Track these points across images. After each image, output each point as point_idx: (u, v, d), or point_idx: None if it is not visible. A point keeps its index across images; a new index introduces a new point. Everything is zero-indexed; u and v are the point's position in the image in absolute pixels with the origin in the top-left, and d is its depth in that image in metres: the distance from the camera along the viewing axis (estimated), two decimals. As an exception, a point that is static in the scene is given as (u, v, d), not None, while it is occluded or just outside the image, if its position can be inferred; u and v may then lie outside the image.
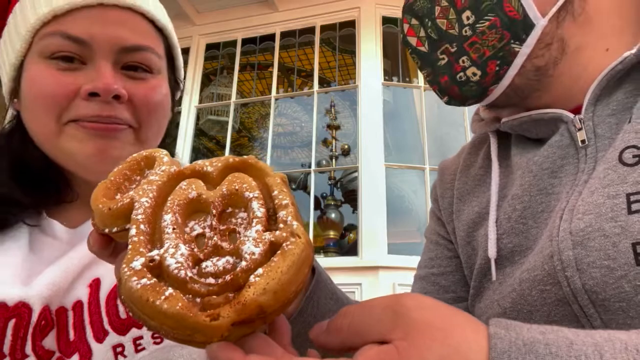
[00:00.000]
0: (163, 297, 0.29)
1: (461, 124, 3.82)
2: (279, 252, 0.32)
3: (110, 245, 0.38)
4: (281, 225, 0.34)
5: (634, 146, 0.45)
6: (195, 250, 0.33)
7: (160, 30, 0.65)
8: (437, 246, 0.68)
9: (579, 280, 0.43)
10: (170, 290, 0.30)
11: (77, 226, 0.64)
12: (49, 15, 0.58)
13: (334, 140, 4.23)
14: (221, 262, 0.32)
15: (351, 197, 3.98)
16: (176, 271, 0.31)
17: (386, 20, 4.07)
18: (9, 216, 0.59)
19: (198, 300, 0.31)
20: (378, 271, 3.20)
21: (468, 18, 0.53)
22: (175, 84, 0.71)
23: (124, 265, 0.31)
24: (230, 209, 0.36)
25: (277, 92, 4.23)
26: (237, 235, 0.35)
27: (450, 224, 0.67)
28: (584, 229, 0.44)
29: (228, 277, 0.31)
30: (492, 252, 0.54)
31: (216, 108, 4.35)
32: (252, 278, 0.30)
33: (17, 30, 0.61)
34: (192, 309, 0.29)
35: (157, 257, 0.31)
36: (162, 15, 0.66)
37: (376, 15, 4.02)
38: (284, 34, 4.30)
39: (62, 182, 0.64)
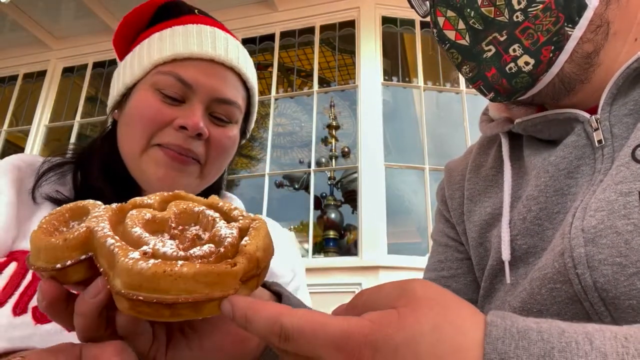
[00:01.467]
0: (180, 264, 0.31)
1: (461, 123, 3.82)
2: (251, 229, 0.38)
3: (64, 297, 0.36)
4: (240, 218, 0.39)
5: None
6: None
7: (247, 89, 0.79)
8: (446, 248, 0.67)
9: (590, 278, 0.43)
10: (180, 262, 0.32)
11: None
12: (170, 57, 0.71)
13: (334, 140, 4.23)
14: (206, 247, 0.34)
15: (351, 197, 3.98)
16: (175, 253, 0.33)
17: (386, 20, 4.07)
18: None
19: None
20: (378, 271, 3.20)
21: (519, 2, 0.50)
22: (243, 133, 0.84)
23: (122, 258, 0.32)
24: (181, 227, 0.39)
25: (277, 92, 4.23)
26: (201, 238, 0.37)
27: (460, 225, 0.66)
28: (595, 225, 0.44)
29: (222, 249, 0.34)
30: (505, 255, 0.53)
31: (216, 108, 4.35)
32: (243, 241, 0.36)
33: (140, 60, 0.73)
34: (211, 264, 0.33)
35: (149, 250, 0.33)
36: (253, 78, 0.79)
37: (376, 15, 4.02)
38: (283, 34, 4.31)
39: (135, 193, 0.73)
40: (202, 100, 0.71)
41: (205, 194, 0.78)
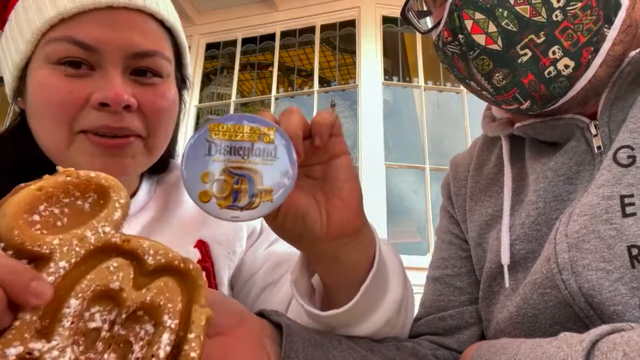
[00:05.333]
0: None
1: (461, 123, 3.82)
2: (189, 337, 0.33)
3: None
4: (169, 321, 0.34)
5: (627, 146, 0.44)
6: (81, 357, 0.30)
7: (168, 29, 0.62)
8: (450, 246, 0.66)
9: (575, 283, 0.43)
10: None
11: None
12: (56, 18, 0.55)
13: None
14: None
15: (351, 196, 3.98)
16: None
17: (386, 20, 4.06)
18: None
19: None
20: (378, 271, 3.20)
21: (558, 0, 0.47)
22: (182, 82, 0.69)
23: None
24: (141, 312, 0.33)
25: (277, 91, 4.23)
26: (131, 348, 0.32)
27: (464, 223, 0.65)
28: (578, 230, 0.44)
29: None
30: (505, 259, 0.53)
31: (216, 107, 4.34)
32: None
33: (21, 30, 0.58)
34: None
35: (37, 354, 0.28)
36: (170, 14, 0.63)
37: (376, 14, 4.02)
38: (284, 34, 4.30)
39: None
40: (115, 62, 0.55)
41: (160, 163, 0.68)
